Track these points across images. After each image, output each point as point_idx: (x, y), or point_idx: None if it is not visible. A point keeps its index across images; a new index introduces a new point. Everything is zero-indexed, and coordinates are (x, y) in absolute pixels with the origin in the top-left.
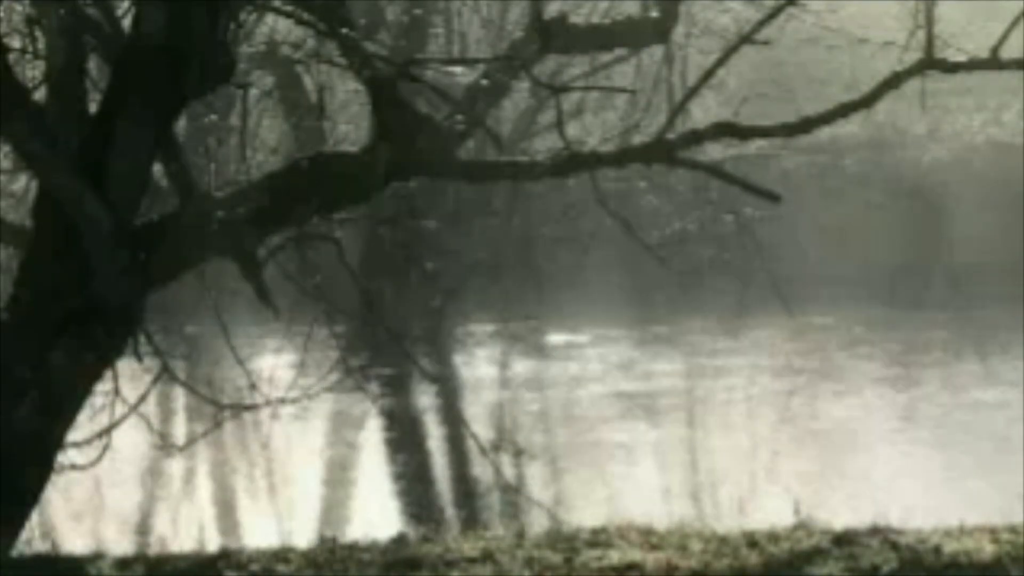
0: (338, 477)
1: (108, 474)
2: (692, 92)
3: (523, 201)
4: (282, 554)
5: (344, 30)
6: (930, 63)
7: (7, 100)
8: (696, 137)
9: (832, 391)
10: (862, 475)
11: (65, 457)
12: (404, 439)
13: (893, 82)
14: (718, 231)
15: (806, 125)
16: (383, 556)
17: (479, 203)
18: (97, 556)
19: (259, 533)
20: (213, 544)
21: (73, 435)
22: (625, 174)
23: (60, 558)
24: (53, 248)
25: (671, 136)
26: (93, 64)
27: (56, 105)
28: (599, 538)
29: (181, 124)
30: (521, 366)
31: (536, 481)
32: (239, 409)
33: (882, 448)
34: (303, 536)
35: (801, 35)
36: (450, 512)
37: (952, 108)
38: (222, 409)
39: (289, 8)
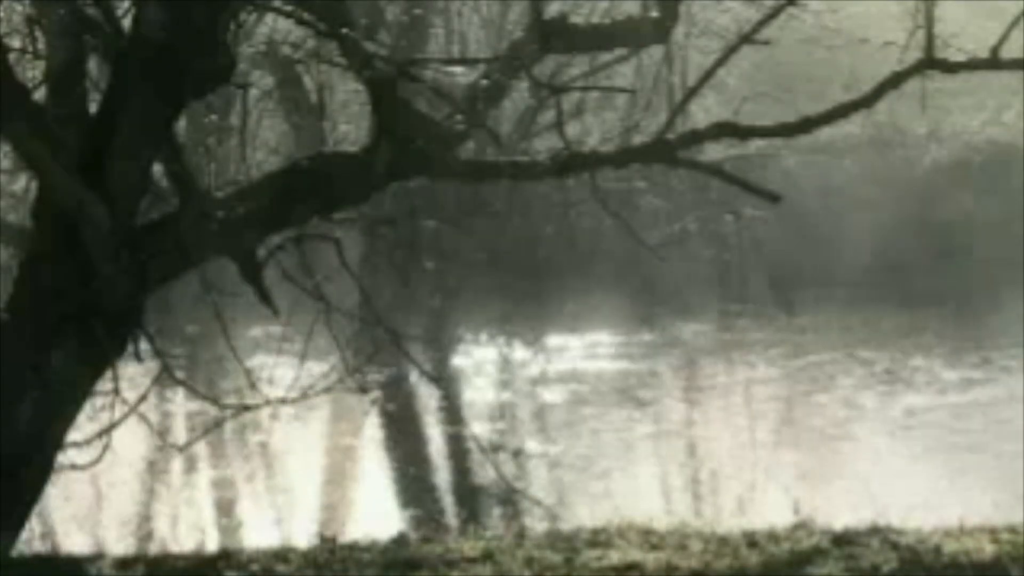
0: (338, 477)
1: (108, 474)
2: (692, 92)
3: (523, 201)
4: (282, 554)
5: (344, 30)
6: (930, 63)
7: (7, 100)
8: (696, 137)
9: (828, 390)
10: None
11: (65, 457)
12: (404, 439)
13: (893, 82)
14: (718, 231)
15: (806, 125)
16: (383, 556)
17: (479, 203)
18: (97, 556)
19: (259, 533)
20: (213, 544)
21: (73, 435)
22: (625, 174)
23: (60, 558)
24: (53, 248)
25: (671, 136)
26: (93, 64)
27: (56, 105)
28: (599, 538)
29: (181, 124)
30: (521, 366)
31: (537, 481)
32: (239, 409)
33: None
34: (303, 536)
35: (801, 35)
36: (450, 512)
37: (952, 108)
38: (222, 409)
39: (289, 8)
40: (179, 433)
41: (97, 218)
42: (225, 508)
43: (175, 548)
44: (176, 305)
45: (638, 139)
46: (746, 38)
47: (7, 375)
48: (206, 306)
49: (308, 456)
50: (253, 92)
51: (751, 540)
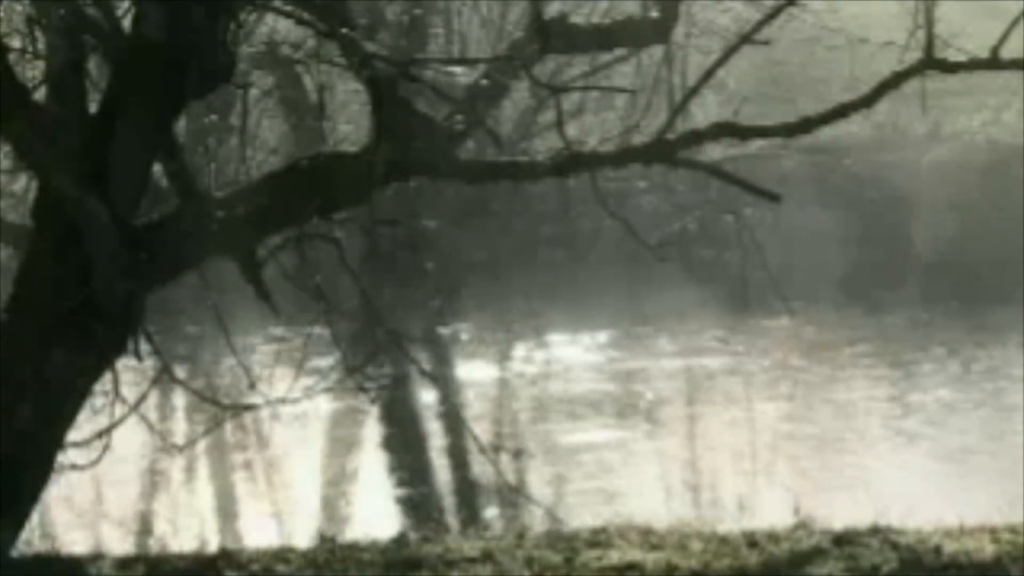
0: (338, 477)
1: (108, 474)
2: (692, 92)
3: (523, 201)
4: (282, 554)
5: (344, 30)
6: (930, 63)
7: (7, 100)
8: (696, 137)
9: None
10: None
11: (65, 457)
12: (404, 439)
13: (893, 82)
14: (718, 231)
15: (806, 125)
16: (383, 556)
17: (479, 203)
18: (97, 556)
19: (259, 533)
20: (213, 544)
21: (73, 435)
22: (625, 174)
23: (60, 558)
24: (53, 248)
25: (671, 136)
26: (93, 64)
27: (56, 105)
28: (599, 538)
29: (181, 124)
30: (521, 366)
31: (536, 481)
32: (239, 409)
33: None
34: (303, 536)
35: (801, 35)
36: (450, 512)
37: (952, 108)
38: (222, 409)
39: (289, 8)
40: (179, 433)
41: (97, 218)
42: (225, 508)
43: (175, 548)
44: (176, 305)
45: (638, 139)
46: (746, 38)
47: (7, 375)
48: (206, 306)
49: (308, 456)
50: (253, 92)
51: (751, 540)
